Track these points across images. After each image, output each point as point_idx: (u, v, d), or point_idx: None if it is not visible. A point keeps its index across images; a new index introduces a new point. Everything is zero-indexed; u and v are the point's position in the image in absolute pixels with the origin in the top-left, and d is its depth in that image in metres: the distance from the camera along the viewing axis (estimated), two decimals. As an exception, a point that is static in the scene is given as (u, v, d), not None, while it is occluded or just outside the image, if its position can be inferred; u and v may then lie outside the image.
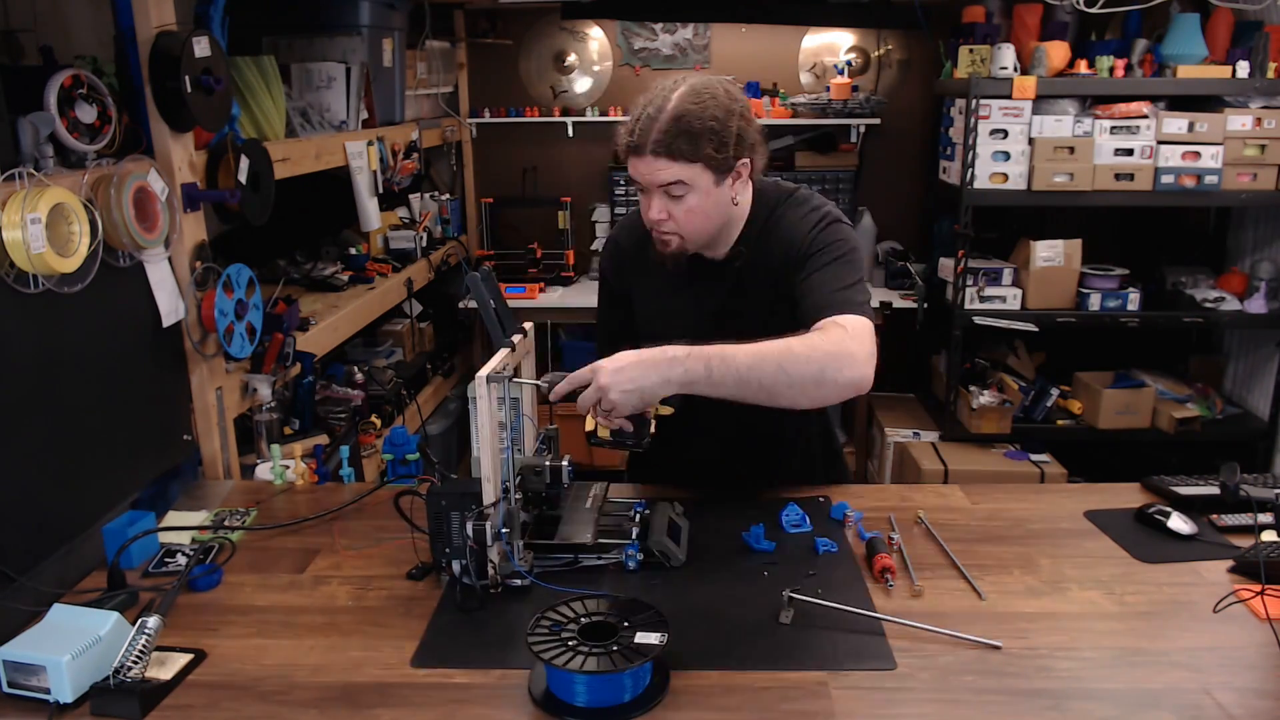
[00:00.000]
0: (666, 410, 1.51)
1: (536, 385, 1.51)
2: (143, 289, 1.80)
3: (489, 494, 1.43)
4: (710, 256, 1.69)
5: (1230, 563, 1.55)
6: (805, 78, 4.10)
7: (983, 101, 3.19)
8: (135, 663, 1.24)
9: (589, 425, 1.51)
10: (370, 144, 2.84)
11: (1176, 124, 3.17)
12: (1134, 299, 3.35)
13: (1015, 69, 3.20)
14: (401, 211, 3.57)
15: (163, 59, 1.79)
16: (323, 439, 2.37)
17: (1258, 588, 1.41)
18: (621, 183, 3.96)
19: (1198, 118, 3.16)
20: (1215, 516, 1.70)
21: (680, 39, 4.07)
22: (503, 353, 1.49)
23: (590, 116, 4.06)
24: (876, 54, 4.06)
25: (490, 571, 1.45)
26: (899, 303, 3.68)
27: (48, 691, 1.22)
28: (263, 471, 2.01)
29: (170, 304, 1.86)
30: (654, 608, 1.29)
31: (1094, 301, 3.36)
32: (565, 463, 1.58)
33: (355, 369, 2.87)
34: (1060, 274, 3.36)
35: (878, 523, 1.71)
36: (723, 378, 1.37)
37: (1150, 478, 1.86)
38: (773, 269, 1.63)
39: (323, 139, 2.62)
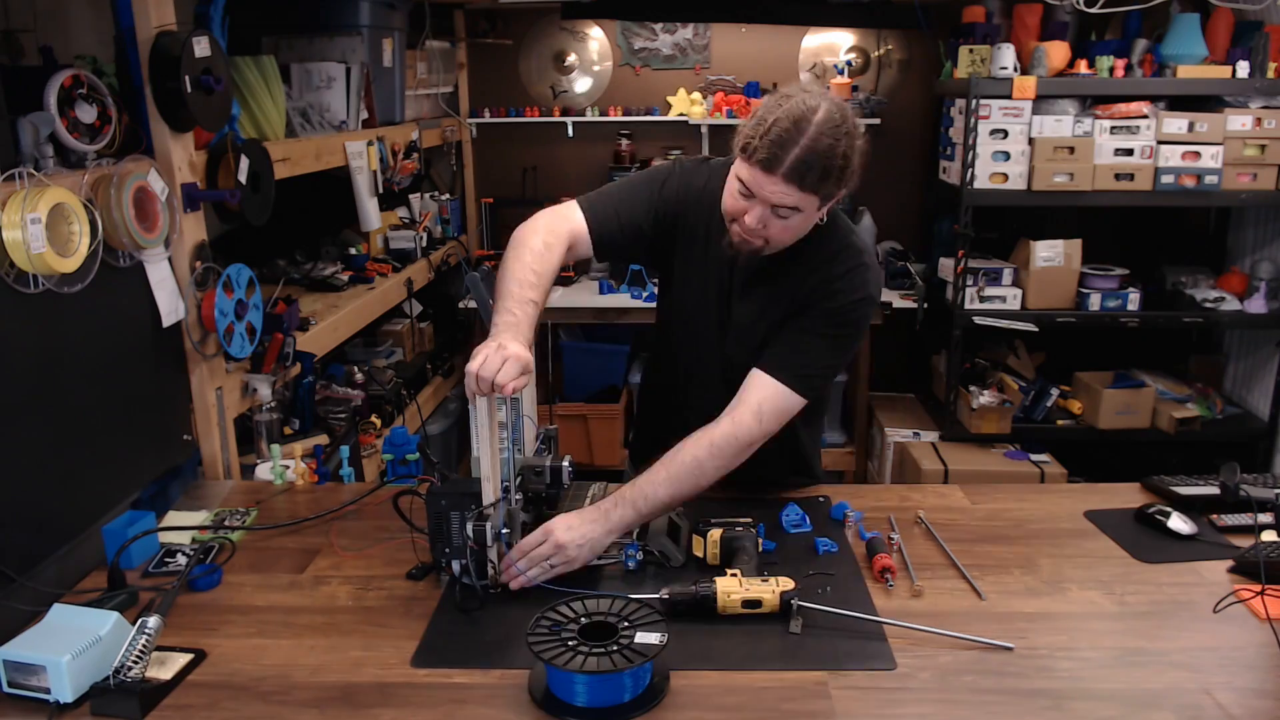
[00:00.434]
0: None
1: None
2: (143, 289, 1.80)
3: (489, 494, 1.43)
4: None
5: (1230, 563, 1.55)
6: (805, 78, 4.10)
7: (983, 101, 3.19)
8: (135, 663, 1.24)
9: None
10: (370, 144, 2.84)
11: (1176, 124, 3.17)
12: (1134, 299, 3.35)
13: (1015, 69, 3.20)
14: (401, 211, 3.57)
15: (163, 59, 1.79)
16: (323, 439, 2.37)
17: (1258, 588, 1.41)
18: (621, 183, 3.95)
19: (1198, 118, 3.16)
20: (1215, 516, 1.70)
21: (680, 39, 4.07)
22: (503, 353, 1.48)
23: (590, 116, 4.06)
24: (876, 54, 4.06)
25: (490, 571, 1.45)
26: (899, 303, 3.68)
27: (48, 691, 1.22)
28: (263, 471, 2.01)
29: (170, 304, 1.86)
30: (654, 608, 1.29)
31: (1094, 301, 3.36)
32: (565, 463, 1.58)
33: (355, 369, 2.87)
34: (1060, 274, 3.36)
35: (878, 523, 1.71)
36: (652, 510, 1.57)
37: (1150, 478, 1.87)
38: (800, 290, 1.64)
39: (323, 139, 2.62)
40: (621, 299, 3.77)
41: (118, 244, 1.69)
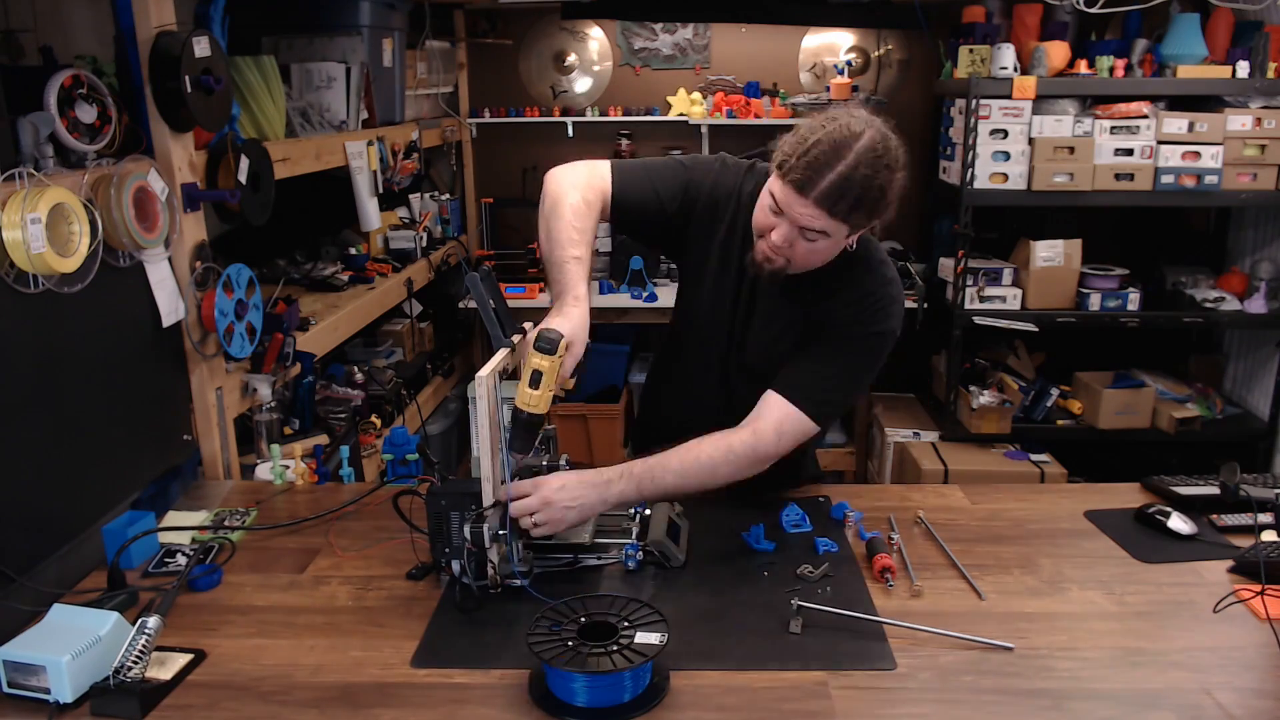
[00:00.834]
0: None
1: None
2: (143, 289, 1.80)
3: (489, 494, 1.43)
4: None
5: (1230, 563, 1.56)
6: (805, 78, 4.10)
7: (983, 101, 3.19)
8: (135, 663, 1.24)
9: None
10: (370, 144, 2.84)
11: (1176, 124, 3.17)
12: (1134, 299, 3.35)
13: (1015, 69, 3.20)
14: (401, 211, 3.57)
15: (163, 59, 1.79)
16: (323, 439, 2.37)
17: (1258, 588, 1.41)
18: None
19: (1198, 118, 3.16)
20: (1215, 516, 1.70)
21: (680, 39, 4.07)
22: (503, 353, 1.49)
23: (590, 116, 4.06)
24: (876, 54, 4.06)
25: (490, 572, 1.45)
26: (899, 303, 3.67)
27: (48, 691, 1.22)
28: (263, 471, 2.01)
29: (170, 304, 1.86)
30: (654, 608, 1.29)
31: (1094, 301, 3.36)
32: (563, 461, 1.58)
33: (355, 369, 2.87)
34: (1060, 274, 3.36)
35: (878, 523, 1.71)
36: (654, 494, 1.55)
37: (1150, 478, 1.87)
38: (819, 310, 1.62)
39: (323, 139, 2.62)
40: (621, 299, 3.77)
41: (118, 244, 1.69)
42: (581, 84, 4.16)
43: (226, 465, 2.04)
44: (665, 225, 1.71)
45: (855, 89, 3.93)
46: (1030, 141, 3.22)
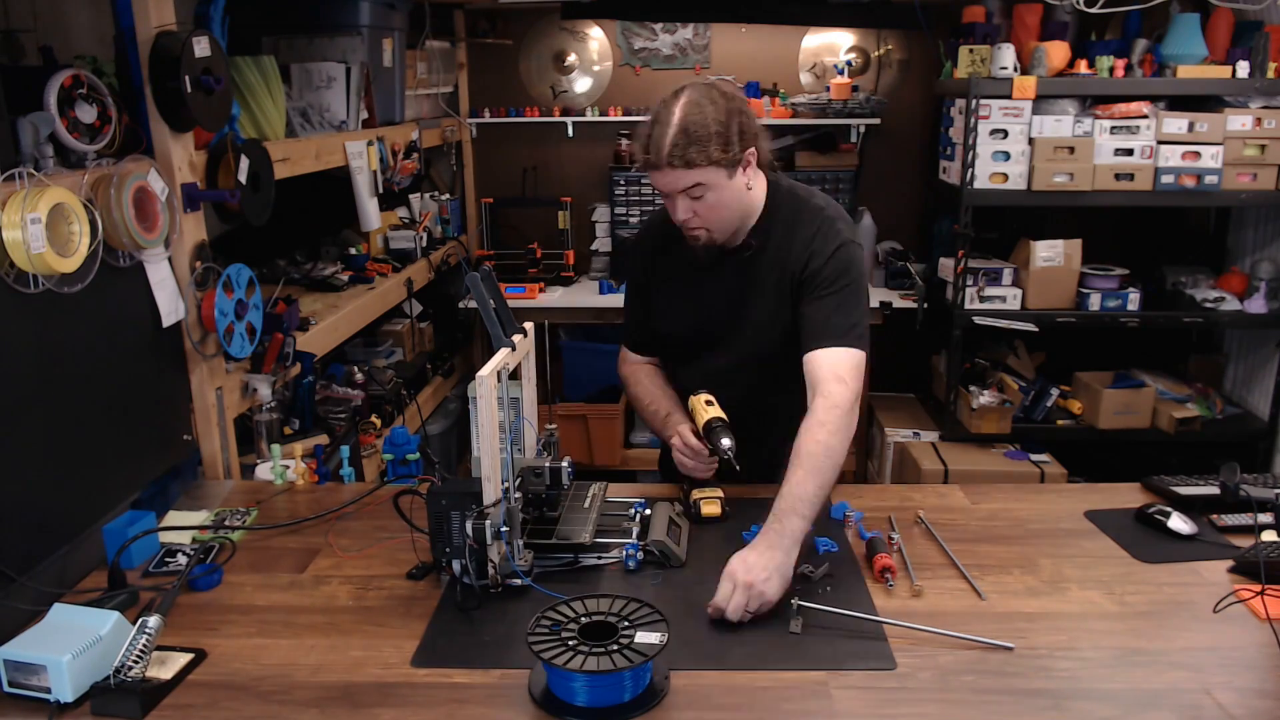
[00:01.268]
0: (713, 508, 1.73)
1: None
2: (143, 289, 1.80)
3: (489, 494, 1.43)
4: (727, 245, 1.77)
5: (1230, 563, 1.56)
6: (805, 78, 4.10)
7: (983, 101, 3.19)
8: (136, 662, 1.24)
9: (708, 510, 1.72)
10: (370, 144, 2.84)
11: (1176, 124, 3.17)
12: (1134, 299, 3.35)
13: (1015, 69, 3.20)
14: (401, 211, 3.57)
15: (163, 59, 1.79)
16: (323, 439, 2.37)
17: (1258, 588, 1.41)
18: (621, 183, 3.96)
19: (1198, 118, 3.16)
20: (1215, 516, 1.70)
21: (680, 39, 4.07)
22: (503, 352, 1.49)
23: (590, 116, 4.05)
24: (876, 54, 4.05)
25: (490, 571, 1.45)
26: (899, 303, 3.68)
27: (48, 691, 1.22)
28: (263, 471, 2.01)
29: (170, 304, 1.86)
30: (654, 608, 1.29)
31: (1094, 301, 3.36)
32: (565, 464, 1.58)
33: (355, 369, 2.87)
34: (1060, 274, 3.36)
35: (878, 523, 1.71)
36: (812, 510, 1.52)
37: (1150, 478, 1.87)
38: (786, 265, 1.74)
39: (323, 139, 2.62)
40: (621, 299, 3.76)
41: (118, 244, 1.69)
42: (581, 84, 4.16)
43: (226, 465, 2.04)
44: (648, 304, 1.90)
45: (855, 89, 3.93)
46: (1030, 141, 3.22)
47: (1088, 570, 1.55)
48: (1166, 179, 3.20)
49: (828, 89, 3.93)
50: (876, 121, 3.90)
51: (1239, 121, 3.14)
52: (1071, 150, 3.20)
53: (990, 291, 3.38)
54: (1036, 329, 3.36)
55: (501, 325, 1.53)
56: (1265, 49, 3.09)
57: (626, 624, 1.26)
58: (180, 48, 1.79)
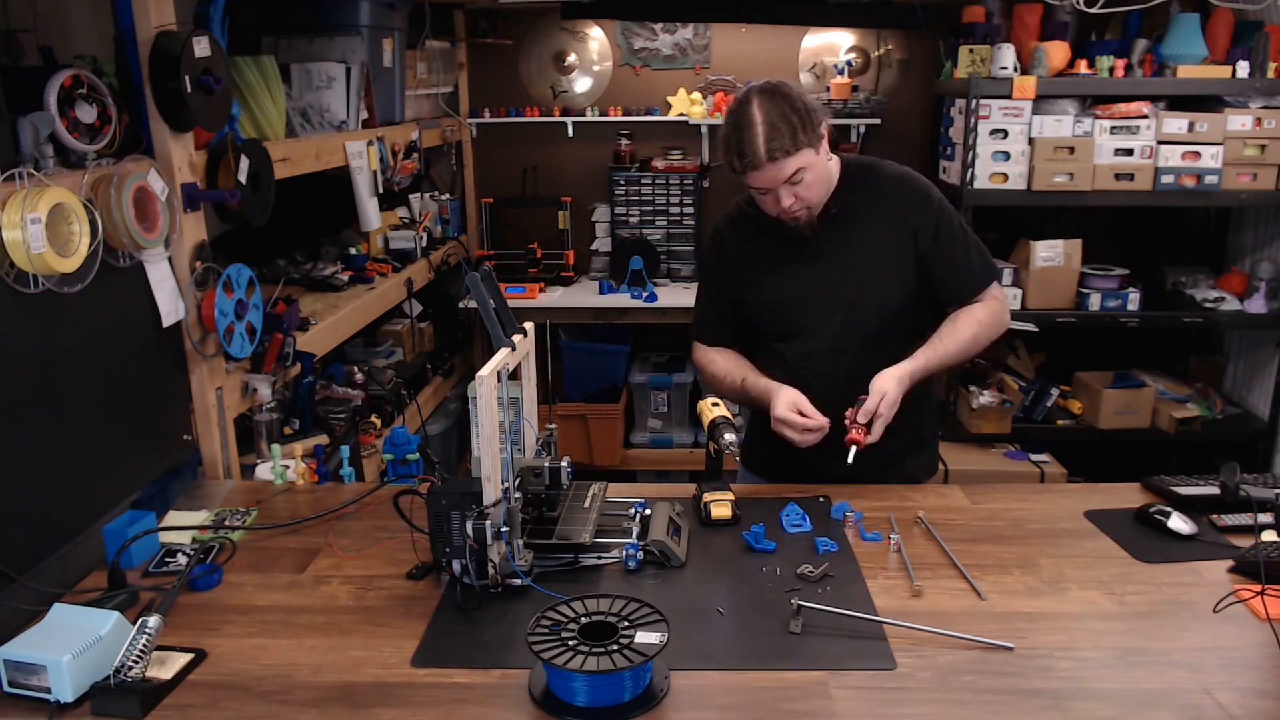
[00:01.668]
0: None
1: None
2: (143, 289, 1.80)
3: (489, 494, 1.43)
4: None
5: (1230, 563, 1.55)
6: (805, 78, 4.10)
7: (983, 101, 3.19)
8: (136, 662, 1.24)
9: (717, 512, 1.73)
10: (370, 144, 2.84)
11: (1176, 124, 3.17)
12: (1134, 299, 3.35)
13: (1015, 69, 3.20)
14: (401, 211, 3.57)
15: (163, 59, 1.79)
16: (323, 439, 2.37)
17: (1258, 588, 1.41)
18: (621, 183, 3.96)
19: (1198, 118, 3.16)
20: (1215, 516, 1.70)
21: (680, 39, 4.07)
22: (503, 352, 1.49)
23: (590, 116, 4.06)
24: (876, 54, 4.06)
25: (490, 571, 1.45)
26: (899, 303, 3.68)
27: (48, 691, 1.22)
28: (263, 471, 2.01)
29: (170, 304, 1.86)
30: (654, 608, 1.29)
31: (1094, 301, 3.36)
32: (564, 464, 1.58)
33: (355, 369, 2.87)
34: (1060, 274, 3.36)
35: (878, 523, 1.71)
36: (936, 367, 1.82)
37: (1150, 478, 1.87)
38: (884, 220, 1.86)
39: (323, 139, 2.62)
40: (622, 299, 3.77)
41: (118, 244, 1.69)
42: (581, 84, 4.16)
43: (226, 465, 2.04)
44: (734, 298, 1.98)
45: (855, 89, 3.93)
46: (1030, 141, 3.22)
47: (1088, 570, 1.55)
48: (1166, 179, 3.20)
49: (828, 89, 3.94)
50: (876, 121, 3.91)
51: (1239, 121, 3.14)
52: (1071, 150, 3.20)
53: (990, 291, 3.37)
54: (1036, 329, 3.36)
55: (501, 325, 1.53)
56: (1265, 49, 3.09)
57: (626, 624, 1.26)
58: (180, 48, 1.79)
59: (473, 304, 3.47)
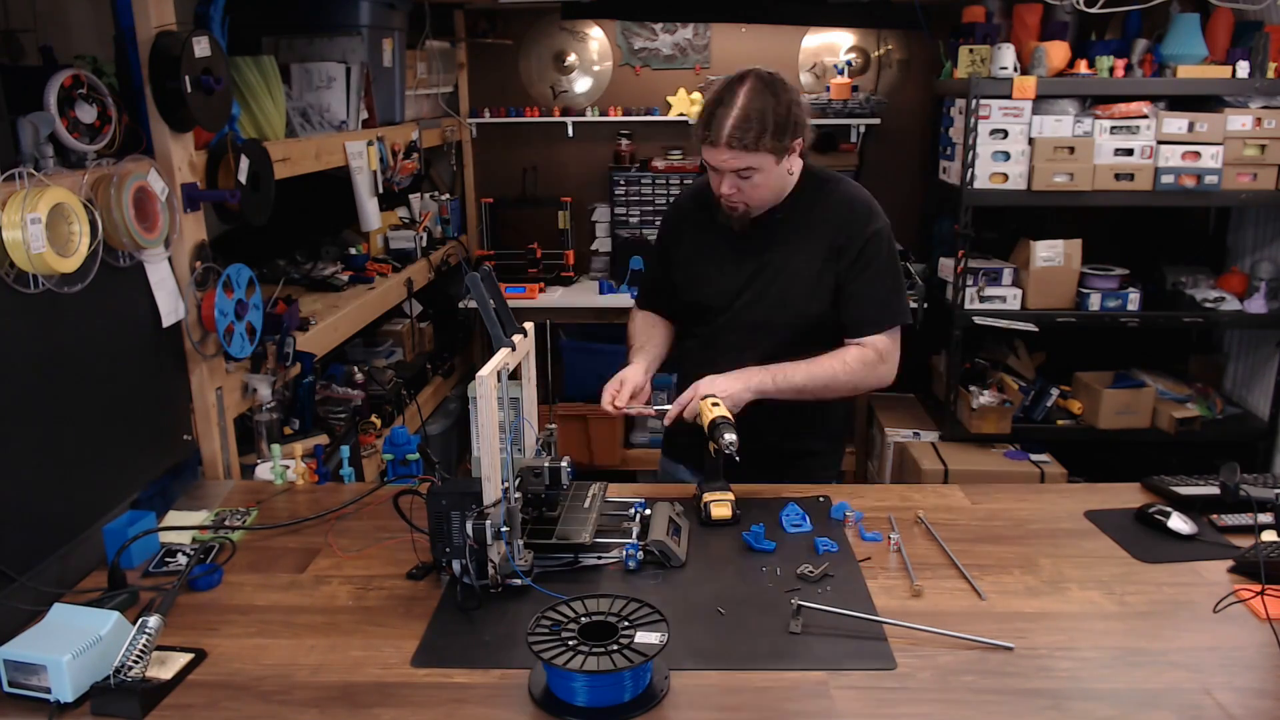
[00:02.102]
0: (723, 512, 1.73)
1: (652, 414, 1.85)
2: (143, 289, 1.80)
3: (489, 494, 1.43)
4: (759, 217, 1.88)
5: (1230, 563, 1.56)
6: (805, 78, 4.10)
7: (983, 101, 3.19)
8: (136, 662, 1.24)
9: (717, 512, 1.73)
10: (370, 144, 2.84)
11: (1176, 124, 3.17)
12: (1134, 299, 3.35)
13: (1015, 69, 3.20)
14: (401, 211, 3.57)
15: (163, 59, 1.79)
16: (323, 439, 2.37)
17: (1258, 588, 1.41)
18: (621, 183, 3.96)
19: (1198, 118, 3.16)
20: (1215, 516, 1.70)
21: (680, 39, 4.07)
22: (503, 352, 1.49)
23: (590, 116, 4.06)
24: (876, 54, 4.06)
25: (490, 571, 1.45)
26: (899, 303, 3.67)
27: (48, 691, 1.22)
28: (263, 471, 2.01)
29: (170, 304, 1.86)
30: (654, 608, 1.29)
31: (1094, 301, 3.36)
32: (565, 464, 1.58)
33: (355, 369, 2.87)
34: (1060, 274, 3.36)
35: (878, 523, 1.71)
36: (784, 388, 1.80)
37: (1150, 478, 1.87)
38: (820, 236, 1.86)
39: (323, 139, 2.62)
40: (622, 299, 3.77)
41: (118, 244, 1.69)
42: (581, 84, 4.16)
43: (227, 465, 2.04)
44: (668, 272, 2.00)
45: (855, 89, 3.93)
46: (1030, 141, 3.22)
47: (1088, 570, 1.55)
48: (1166, 179, 3.20)
49: (828, 89, 3.94)
50: (876, 121, 3.91)
51: (1239, 121, 3.14)
52: (1071, 150, 3.20)
53: (990, 291, 3.38)
54: (1036, 329, 3.36)
55: (501, 325, 1.53)
56: (1265, 49, 3.09)
57: (626, 624, 1.26)
58: (180, 48, 1.79)
59: (473, 304, 3.47)
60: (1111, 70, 3.18)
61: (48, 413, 1.56)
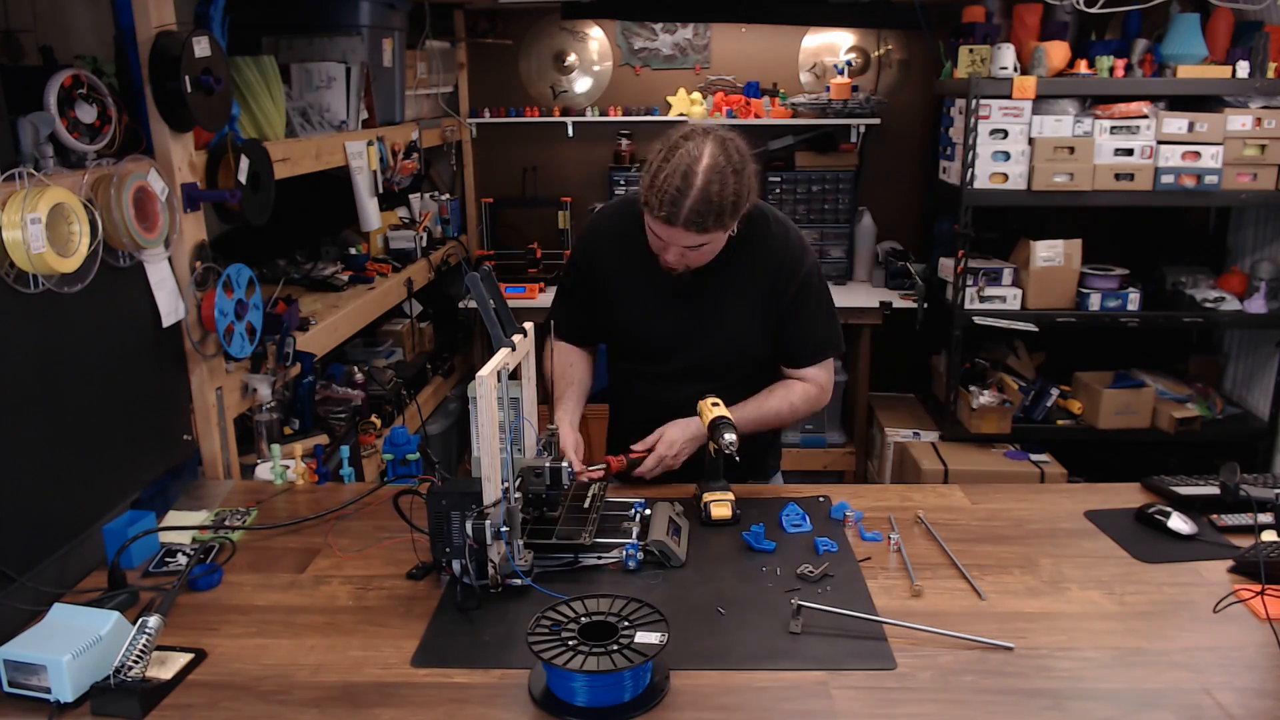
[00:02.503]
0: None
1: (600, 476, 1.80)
2: (143, 289, 1.80)
3: (489, 494, 1.43)
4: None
5: (1230, 563, 1.56)
6: (805, 78, 4.10)
7: (983, 101, 3.19)
8: (136, 662, 1.24)
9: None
10: (370, 144, 2.84)
11: (1176, 124, 3.17)
12: (1134, 299, 3.35)
13: (1015, 69, 3.20)
14: (401, 211, 3.57)
15: (163, 59, 1.79)
16: (323, 439, 2.37)
17: (1258, 588, 1.41)
18: (621, 183, 3.96)
19: (1198, 118, 3.16)
20: (1215, 516, 1.70)
21: (680, 39, 4.07)
22: (503, 352, 1.49)
23: (590, 116, 4.06)
24: (876, 54, 4.06)
25: (490, 571, 1.45)
26: (899, 303, 3.68)
27: (48, 691, 1.22)
28: (263, 471, 2.01)
29: (170, 304, 1.86)
30: (654, 608, 1.29)
31: (1094, 301, 3.36)
32: (565, 464, 1.58)
33: (355, 369, 2.87)
34: (1060, 274, 3.36)
35: (878, 523, 1.71)
36: (744, 426, 1.74)
37: (1150, 478, 1.87)
38: (758, 277, 1.85)
39: (323, 139, 2.62)
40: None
41: (118, 244, 1.69)
42: (581, 84, 4.16)
43: (227, 465, 2.04)
44: (594, 300, 1.95)
45: (855, 89, 3.93)
46: (1030, 141, 3.22)
47: (1088, 570, 1.55)
48: (1166, 179, 3.20)
49: (828, 89, 3.94)
50: (876, 121, 3.91)
51: (1239, 121, 3.14)
52: (1071, 150, 3.20)
53: (990, 291, 3.38)
54: (1036, 329, 3.36)
55: (501, 325, 1.53)
56: (1265, 49, 3.09)
57: (626, 624, 1.26)
58: (180, 48, 1.79)
59: (473, 304, 3.47)
60: (1111, 70, 3.18)
61: (48, 413, 1.56)
